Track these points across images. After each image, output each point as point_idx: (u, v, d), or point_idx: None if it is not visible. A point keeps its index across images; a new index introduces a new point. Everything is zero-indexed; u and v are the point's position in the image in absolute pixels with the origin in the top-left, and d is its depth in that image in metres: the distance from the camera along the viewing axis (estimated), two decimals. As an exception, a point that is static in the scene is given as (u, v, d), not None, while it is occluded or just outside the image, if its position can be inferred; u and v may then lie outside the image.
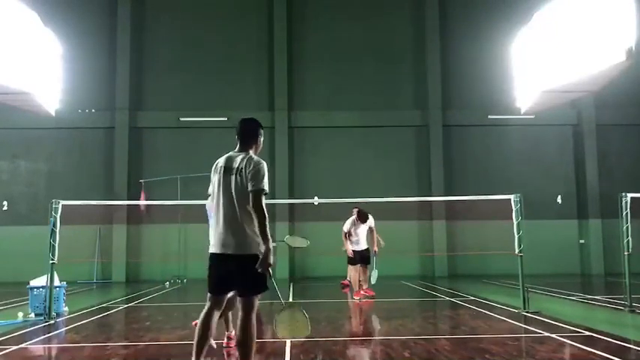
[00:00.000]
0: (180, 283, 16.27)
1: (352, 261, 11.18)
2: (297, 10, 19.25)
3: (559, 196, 18.79)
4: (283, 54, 18.73)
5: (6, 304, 10.49)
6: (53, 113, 9.73)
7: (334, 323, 8.10)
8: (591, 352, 5.42)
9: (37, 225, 15.62)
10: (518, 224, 8.67)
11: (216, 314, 4.17)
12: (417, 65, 19.19)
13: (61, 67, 9.92)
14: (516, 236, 8.66)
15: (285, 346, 5.89)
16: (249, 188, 4.02)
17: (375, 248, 11.20)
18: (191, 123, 18.44)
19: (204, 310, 4.16)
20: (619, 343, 5.93)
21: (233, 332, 5.75)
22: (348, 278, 12.78)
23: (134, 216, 17.62)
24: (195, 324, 4.20)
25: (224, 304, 4.25)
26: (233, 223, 4.03)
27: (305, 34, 19.22)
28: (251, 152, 4.28)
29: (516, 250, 8.66)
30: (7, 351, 5.91)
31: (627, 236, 8.63)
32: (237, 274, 4.01)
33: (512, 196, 8.84)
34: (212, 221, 4.21)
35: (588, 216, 18.43)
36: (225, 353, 5.69)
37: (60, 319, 8.41)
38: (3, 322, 7.95)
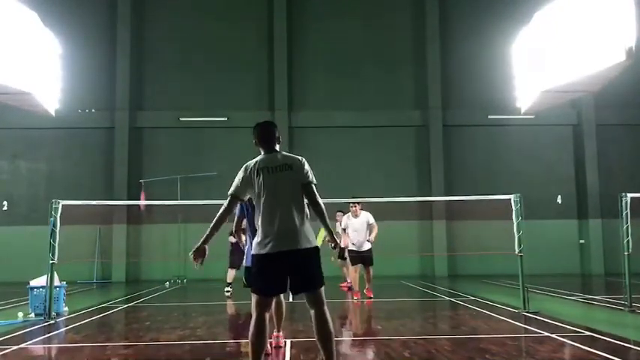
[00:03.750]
0: (180, 283, 16.28)
1: (353, 261, 11.10)
2: (297, 10, 19.25)
3: (559, 196, 18.80)
4: (283, 54, 18.73)
5: (6, 304, 10.49)
6: (53, 113, 9.71)
7: (334, 323, 8.09)
8: (591, 352, 5.41)
9: (37, 225, 15.60)
10: (518, 224, 8.66)
11: (267, 317, 4.07)
12: (417, 65, 19.20)
13: (61, 67, 9.90)
14: (516, 236, 8.65)
15: (285, 346, 5.90)
16: (308, 181, 4.16)
17: (373, 238, 10.76)
18: (191, 123, 18.45)
19: (256, 318, 4.00)
20: (619, 343, 5.93)
21: (281, 333, 5.90)
22: (347, 280, 12.76)
23: (134, 216, 17.63)
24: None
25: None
26: (295, 219, 4.05)
27: (305, 34, 19.22)
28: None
29: (516, 250, 8.65)
30: (7, 351, 5.91)
31: (627, 236, 8.63)
32: (304, 268, 4.03)
33: (512, 196, 8.83)
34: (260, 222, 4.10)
35: (588, 216, 18.44)
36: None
37: (60, 319, 8.40)
38: (3, 322, 7.95)
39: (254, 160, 4.26)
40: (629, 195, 8.80)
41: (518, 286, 8.65)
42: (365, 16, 19.33)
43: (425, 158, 18.69)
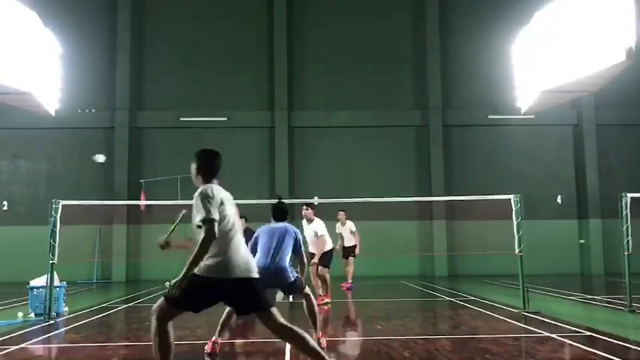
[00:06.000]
0: (180, 283, 16.25)
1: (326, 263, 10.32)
2: (298, 10, 19.25)
3: (559, 196, 18.80)
4: (283, 54, 18.73)
5: (6, 304, 10.49)
6: (53, 113, 9.71)
7: (334, 323, 8.11)
8: (591, 352, 5.42)
9: (37, 225, 15.60)
10: (518, 224, 8.66)
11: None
12: (417, 65, 19.20)
13: (61, 67, 9.90)
14: (516, 236, 8.65)
15: (285, 346, 5.89)
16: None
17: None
18: (191, 123, 18.44)
19: (158, 331, 4.10)
20: (619, 343, 5.93)
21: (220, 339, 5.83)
22: (350, 280, 12.80)
23: (134, 216, 17.62)
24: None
25: None
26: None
27: (305, 34, 19.22)
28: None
29: (516, 250, 8.66)
30: (7, 351, 5.91)
31: (627, 236, 8.63)
32: (255, 293, 4.22)
33: (512, 196, 8.83)
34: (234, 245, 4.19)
35: (588, 216, 18.44)
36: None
37: (60, 319, 8.40)
38: (3, 322, 7.95)
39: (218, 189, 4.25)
40: (629, 195, 8.80)
41: (518, 286, 8.66)
42: (365, 16, 19.32)
43: (425, 158, 18.69)
